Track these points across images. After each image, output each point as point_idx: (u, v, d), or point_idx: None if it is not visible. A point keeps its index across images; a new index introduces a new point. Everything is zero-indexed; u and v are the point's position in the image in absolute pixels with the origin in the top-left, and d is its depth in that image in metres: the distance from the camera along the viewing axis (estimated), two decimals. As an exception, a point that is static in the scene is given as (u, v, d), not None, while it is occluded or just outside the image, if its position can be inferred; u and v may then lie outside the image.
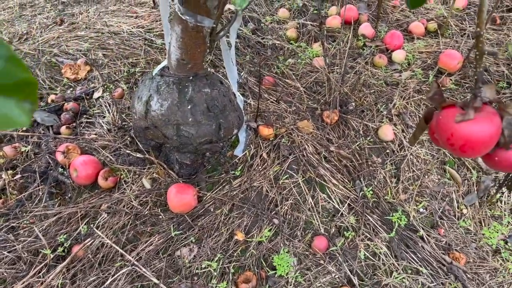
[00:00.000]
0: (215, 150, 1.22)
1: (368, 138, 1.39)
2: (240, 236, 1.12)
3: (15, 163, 1.24)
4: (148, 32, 1.74)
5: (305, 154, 1.31)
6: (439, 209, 1.27)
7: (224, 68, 1.55)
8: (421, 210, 1.26)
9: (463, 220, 1.26)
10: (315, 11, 1.89)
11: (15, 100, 0.21)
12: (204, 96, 1.11)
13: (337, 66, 1.62)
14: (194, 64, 1.09)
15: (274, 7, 1.96)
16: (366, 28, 1.76)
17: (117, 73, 1.54)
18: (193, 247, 1.09)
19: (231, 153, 1.29)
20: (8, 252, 1.04)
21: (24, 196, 1.16)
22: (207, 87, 1.13)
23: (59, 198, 1.17)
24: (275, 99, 1.48)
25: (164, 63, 1.13)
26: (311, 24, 1.81)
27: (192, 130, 1.10)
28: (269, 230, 1.14)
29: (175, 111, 1.08)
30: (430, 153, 1.38)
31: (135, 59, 1.59)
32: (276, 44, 1.72)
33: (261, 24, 1.83)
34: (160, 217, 1.14)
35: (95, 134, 1.32)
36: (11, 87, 0.20)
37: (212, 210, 1.17)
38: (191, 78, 1.10)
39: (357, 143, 1.37)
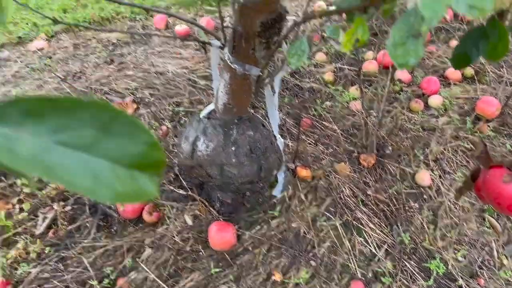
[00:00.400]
0: (255, 190, 1.26)
1: (405, 183, 1.40)
2: (278, 276, 1.14)
3: (67, 195, 1.32)
4: (192, 73, 1.83)
5: (342, 197, 1.34)
6: (478, 258, 1.25)
7: (263, 108, 1.62)
8: (459, 258, 1.25)
9: (504, 270, 1.23)
10: (352, 56, 1.95)
11: (149, 175, 0.25)
12: (248, 138, 1.16)
13: (373, 110, 1.65)
14: (239, 108, 1.15)
15: (312, 51, 2.04)
16: (402, 73, 1.80)
17: (162, 112, 1.63)
18: (231, 285, 1.12)
19: (269, 193, 1.33)
20: (58, 281, 1.09)
21: (73, 227, 1.23)
22: (251, 130, 1.18)
23: (105, 230, 1.23)
24: (312, 141, 1.52)
25: (211, 106, 1.20)
26: (348, 68, 1.86)
27: (235, 171, 1.15)
28: (307, 272, 1.15)
29: (220, 152, 1.14)
30: (468, 201, 1.38)
31: (179, 99, 1.68)
32: (314, 87, 1.78)
33: (299, 68, 1.90)
34: (201, 253, 1.18)
35: (141, 169, 1.39)
36: (148, 165, 0.25)
37: (250, 249, 1.20)
38: (236, 121, 1.16)
39: (394, 188, 1.38)
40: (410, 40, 0.40)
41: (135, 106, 1.66)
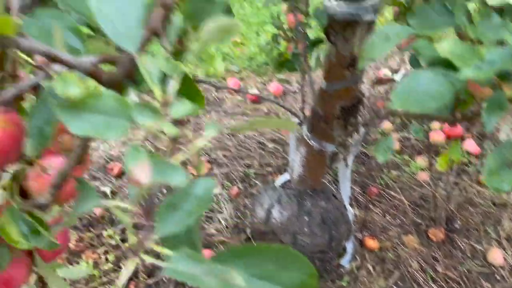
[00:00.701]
0: (324, 259, 1.30)
1: (476, 261, 1.38)
2: None
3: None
4: (261, 135, 1.95)
5: (410, 271, 1.34)
6: None
7: (330, 175, 1.68)
8: None
9: None
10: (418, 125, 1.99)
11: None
12: (320, 209, 1.23)
13: (441, 181, 1.66)
14: (314, 180, 1.22)
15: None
16: (470, 145, 1.80)
17: (234, 173, 1.73)
18: None
19: (337, 262, 1.36)
20: (138, 334, 1.17)
21: (153, 282, 1.32)
22: (323, 200, 1.25)
23: (181, 286, 1.31)
24: (379, 211, 1.55)
25: (286, 176, 1.28)
26: (414, 138, 1.90)
27: (308, 240, 1.21)
28: None
29: (294, 221, 1.20)
30: (545, 285, 1.33)
31: (250, 161, 1.78)
32: (380, 155, 1.82)
33: (366, 136, 1.96)
34: (270, 318, 1.22)
35: (214, 229, 1.48)
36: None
37: (318, 318, 1.22)
38: (310, 192, 1.23)
39: (465, 265, 1.36)
40: (505, 170, 0.46)
41: (209, 165, 1.78)
